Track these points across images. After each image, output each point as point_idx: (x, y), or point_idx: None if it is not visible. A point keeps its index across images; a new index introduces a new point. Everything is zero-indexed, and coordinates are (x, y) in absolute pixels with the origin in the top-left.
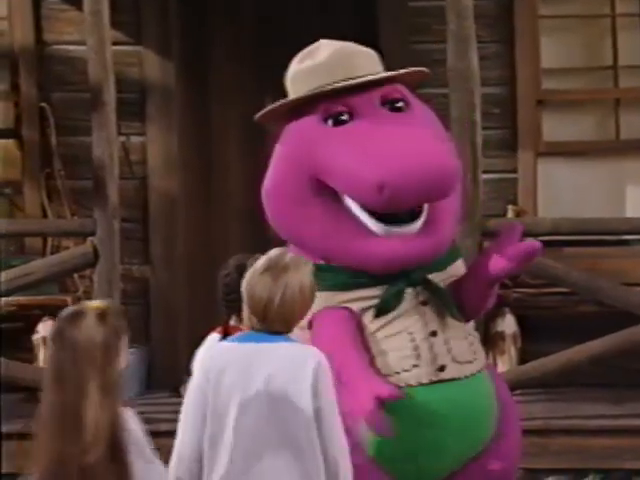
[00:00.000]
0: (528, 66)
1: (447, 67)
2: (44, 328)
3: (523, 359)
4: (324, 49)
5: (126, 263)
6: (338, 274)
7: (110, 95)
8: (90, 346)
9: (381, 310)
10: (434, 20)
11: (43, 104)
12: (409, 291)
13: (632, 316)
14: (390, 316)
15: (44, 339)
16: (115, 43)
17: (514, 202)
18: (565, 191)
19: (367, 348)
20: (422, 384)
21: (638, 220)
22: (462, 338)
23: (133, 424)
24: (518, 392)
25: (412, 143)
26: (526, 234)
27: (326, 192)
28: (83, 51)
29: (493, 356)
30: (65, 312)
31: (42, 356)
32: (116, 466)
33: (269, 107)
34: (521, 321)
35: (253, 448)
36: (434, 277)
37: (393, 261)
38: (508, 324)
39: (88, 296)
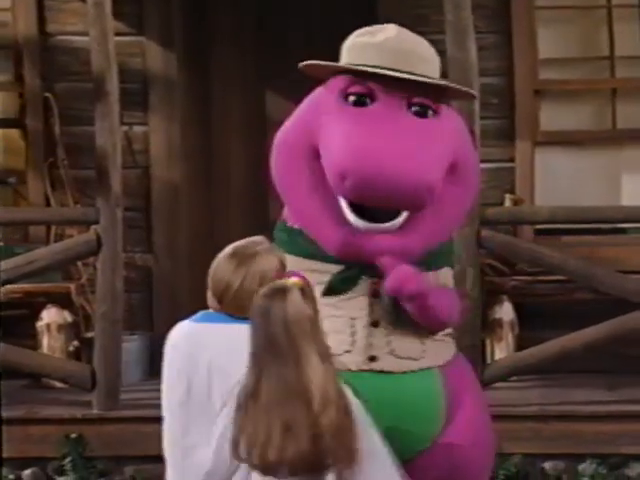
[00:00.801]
0: (526, 57)
1: (446, 58)
2: (48, 315)
3: (520, 346)
4: (387, 32)
5: (129, 251)
6: (305, 241)
7: (113, 85)
8: (300, 318)
9: (328, 290)
10: (432, 11)
11: (47, 94)
12: (367, 280)
13: (627, 303)
14: (336, 299)
15: (48, 326)
16: (118, 34)
17: (512, 191)
18: (562, 180)
19: None
20: (350, 370)
21: (634, 208)
22: (411, 336)
23: None
24: (514, 378)
25: (399, 147)
26: (524, 222)
27: (320, 164)
28: (86, 42)
29: (491, 343)
30: (266, 290)
31: (46, 342)
32: (344, 426)
33: (312, 62)
34: (518, 308)
35: (202, 421)
36: None
37: (347, 252)
38: (505, 311)
39: (91, 284)
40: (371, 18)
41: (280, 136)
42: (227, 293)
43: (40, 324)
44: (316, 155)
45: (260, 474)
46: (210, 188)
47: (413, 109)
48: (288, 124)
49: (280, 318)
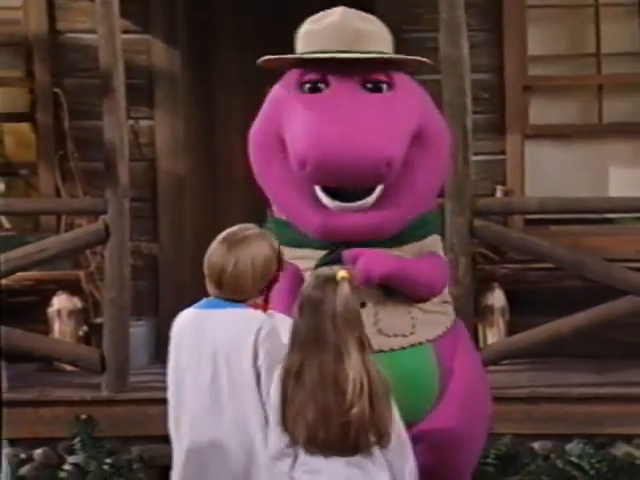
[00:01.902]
0: (516, 54)
1: (439, 54)
2: (58, 301)
3: (511, 331)
4: (332, 17)
5: (135, 240)
6: (292, 231)
7: (120, 81)
8: (348, 312)
9: None
10: (427, 10)
11: (56, 90)
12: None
13: (614, 290)
14: None
15: (58, 312)
16: (124, 32)
17: (503, 182)
18: (551, 172)
19: None
20: None
21: (620, 199)
22: (399, 312)
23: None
24: (506, 362)
25: (353, 127)
26: (514, 212)
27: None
28: (94, 39)
29: (483, 328)
30: (315, 279)
31: (56, 328)
32: (376, 414)
33: (266, 57)
34: (509, 295)
35: (208, 403)
36: (388, 250)
37: (327, 234)
38: (497, 298)
39: (100, 271)
40: (367, 10)
41: (251, 136)
42: (223, 277)
43: (51, 310)
44: (284, 147)
45: (304, 450)
46: (213, 179)
47: (367, 86)
48: (256, 123)
49: (330, 311)
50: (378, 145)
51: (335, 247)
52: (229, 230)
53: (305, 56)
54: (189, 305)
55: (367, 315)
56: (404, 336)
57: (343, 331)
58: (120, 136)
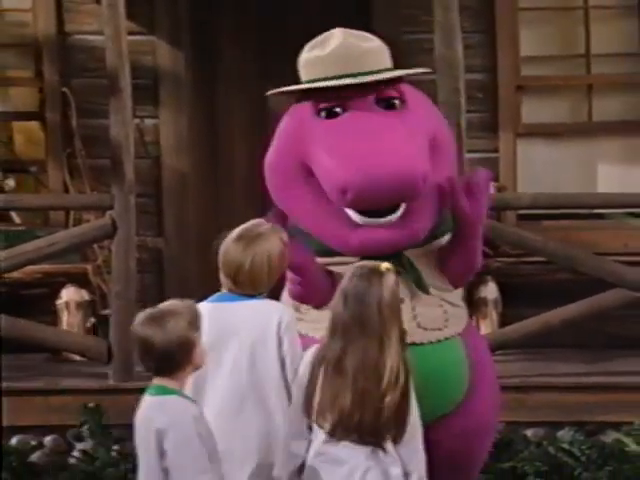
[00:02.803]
0: (508, 54)
1: (435, 55)
2: (67, 294)
3: (504, 322)
4: (334, 40)
5: (141, 235)
6: (319, 241)
7: (126, 81)
8: (393, 302)
9: None
10: (423, 12)
11: (65, 89)
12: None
13: (603, 283)
14: None
15: (67, 304)
16: (130, 33)
17: (496, 179)
18: (542, 169)
19: None
20: None
21: (609, 195)
22: (433, 306)
23: None
24: (499, 352)
25: (384, 146)
26: (507, 208)
27: (314, 176)
28: (101, 41)
29: (476, 320)
30: (360, 270)
31: (65, 319)
32: (402, 405)
33: (276, 90)
34: (502, 288)
35: (229, 393)
36: (411, 251)
37: (365, 250)
38: (490, 290)
39: (107, 265)
40: (364, 19)
41: (269, 165)
42: (240, 272)
43: (60, 302)
44: (310, 173)
45: (325, 434)
46: (216, 176)
47: (381, 104)
48: (272, 153)
49: (376, 300)
50: (412, 165)
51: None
52: (243, 227)
53: (322, 84)
54: (192, 297)
55: (405, 310)
56: (439, 329)
57: (388, 320)
58: (126, 134)
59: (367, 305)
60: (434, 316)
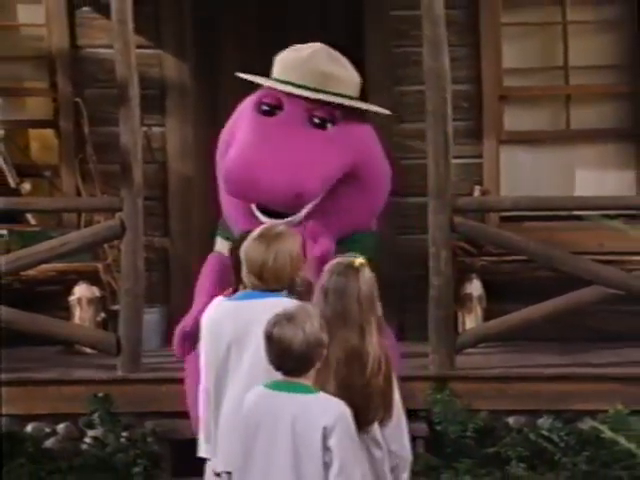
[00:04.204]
0: (492, 66)
1: (423, 67)
2: (79, 290)
3: (488, 317)
4: (307, 52)
5: (149, 235)
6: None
7: (134, 91)
8: (370, 294)
9: None
10: (412, 27)
11: (77, 99)
12: None
13: (580, 280)
14: None
15: (79, 300)
16: (138, 47)
17: (480, 183)
18: (524, 173)
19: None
20: None
21: (585, 198)
22: None
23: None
24: (482, 345)
25: (277, 159)
26: (491, 210)
27: None
28: (111, 54)
29: (462, 315)
30: (337, 267)
31: (77, 314)
32: (387, 388)
33: (245, 75)
34: (486, 285)
35: (248, 388)
36: None
37: None
38: (475, 287)
39: (116, 263)
40: (357, 32)
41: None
42: (264, 270)
43: (72, 298)
44: None
45: None
46: (218, 179)
47: (315, 121)
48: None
49: (355, 293)
50: (291, 180)
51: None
52: (263, 227)
53: (265, 82)
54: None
55: None
56: None
57: (367, 311)
58: (134, 141)
59: (346, 300)
60: None
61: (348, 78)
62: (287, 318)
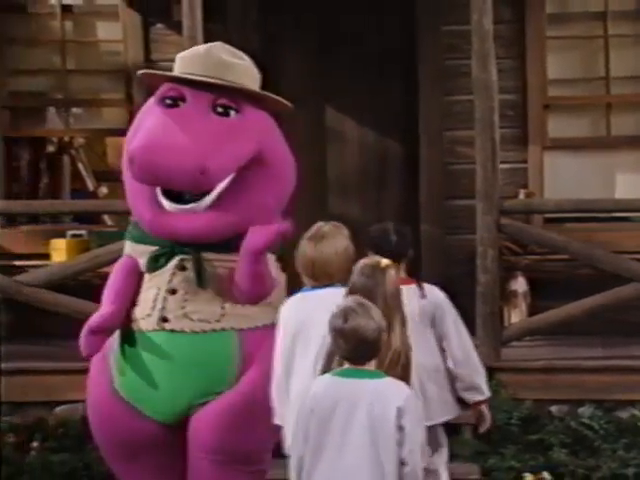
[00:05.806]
0: (537, 77)
1: (472, 78)
2: None
3: (532, 312)
4: (206, 46)
5: None
6: (137, 228)
7: None
8: (395, 294)
9: (147, 267)
10: (462, 41)
11: None
12: (180, 257)
13: (620, 278)
14: (153, 273)
15: None
16: None
17: (525, 186)
18: (566, 177)
19: (137, 293)
20: (150, 330)
21: (625, 200)
22: (209, 303)
23: None
24: (527, 339)
25: (180, 136)
26: (535, 212)
27: None
28: None
29: (508, 310)
30: (364, 269)
31: None
32: (405, 377)
33: (147, 71)
34: (530, 282)
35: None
36: (217, 256)
37: (159, 229)
38: (520, 284)
39: None
40: (412, 48)
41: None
42: (315, 267)
43: None
44: None
45: None
46: None
47: (218, 110)
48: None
49: (382, 294)
50: (195, 155)
51: (166, 244)
52: (313, 228)
53: (166, 74)
54: None
55: (175, 301)
56: (208, 322)
57: (393, 308)
58: None
59: (374, 299)
60: (206, 311)
61: (249, 69)
62: (354, 310)
